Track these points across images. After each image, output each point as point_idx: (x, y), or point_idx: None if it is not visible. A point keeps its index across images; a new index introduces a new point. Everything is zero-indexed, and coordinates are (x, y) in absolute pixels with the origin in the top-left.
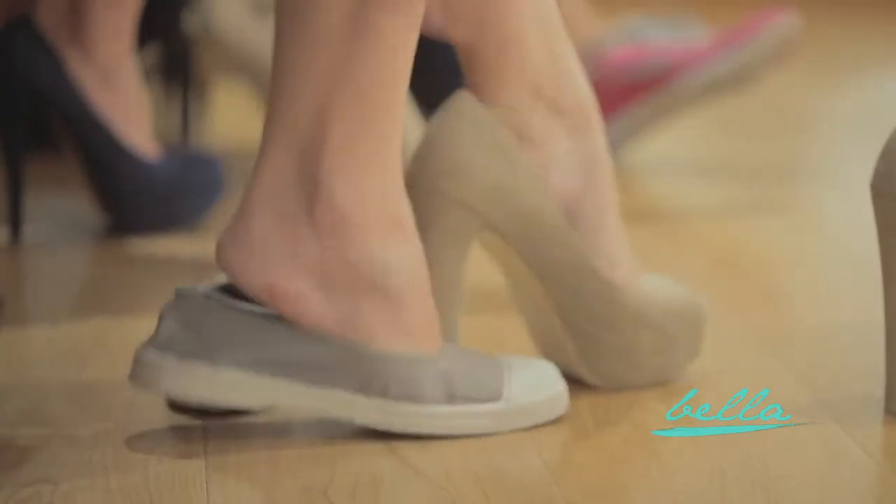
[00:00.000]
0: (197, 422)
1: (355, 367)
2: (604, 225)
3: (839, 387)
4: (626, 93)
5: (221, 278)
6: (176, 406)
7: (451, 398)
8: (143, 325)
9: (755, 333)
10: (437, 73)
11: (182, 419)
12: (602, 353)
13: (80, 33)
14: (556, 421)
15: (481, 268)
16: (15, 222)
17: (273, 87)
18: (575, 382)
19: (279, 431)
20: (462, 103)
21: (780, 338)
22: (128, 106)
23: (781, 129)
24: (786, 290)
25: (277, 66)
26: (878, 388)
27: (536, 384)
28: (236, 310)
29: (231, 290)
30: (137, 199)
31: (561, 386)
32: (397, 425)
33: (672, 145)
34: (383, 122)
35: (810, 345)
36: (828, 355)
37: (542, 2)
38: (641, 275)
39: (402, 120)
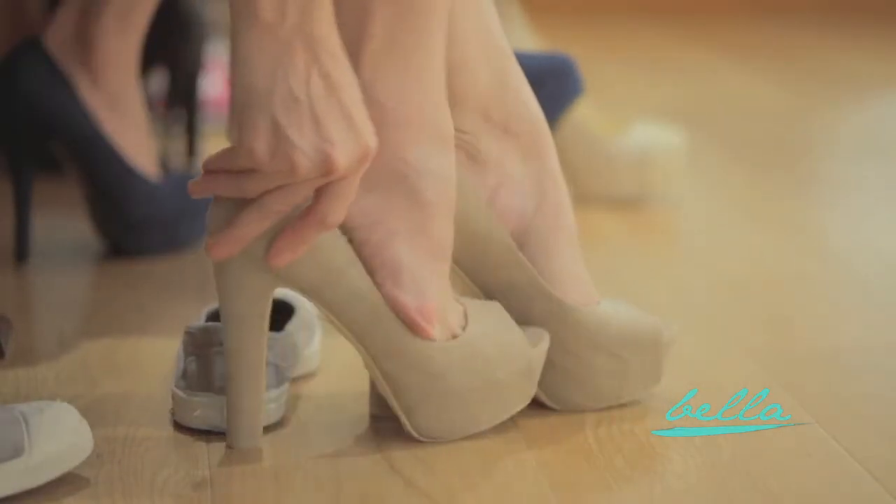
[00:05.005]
0: (203, 444)
1: None
2: (557, 247)
3: (840, 409)
4: None
5: None
6: (183, 425)
7: None
8: (150, 346)
9: (756, 355)
10: None
11: (189, 440)
12: (556, 375)
13: (89, 57)
14: (559, 440)
15: None
16: (22, 243)
17: None
18: None
19: (284, 453)
20: None
21: (780, 359)
22: (134, 130)
23: (786, 150)
24: (789, 311)
25: None
26: (881, 412)
27: (57, 430)
28: None
29: None
30: (144, 222)
31: (83, 426)
32: None
33: None
34: (426, 18)
35: (811, 367)
36: (829, 377)
37: (489, 27)
38: (600, 299)
39: (446, 22)
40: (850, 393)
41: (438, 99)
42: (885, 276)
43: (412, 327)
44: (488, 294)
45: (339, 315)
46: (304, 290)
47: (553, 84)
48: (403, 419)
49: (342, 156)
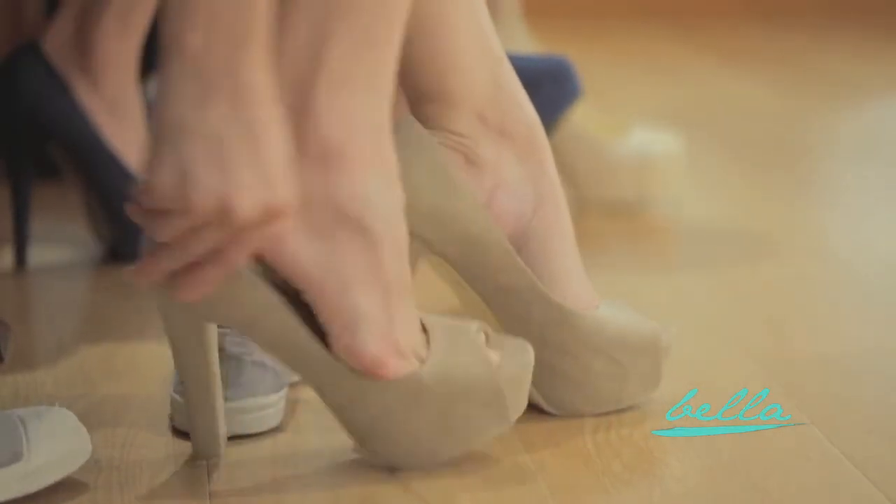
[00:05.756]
0: None
1: None
2: (555, 249)
3: (839, 412)
4: None
5: None
6: (181, 430)
7: None
8: (149, 350)
9: (755, 357)
10: None
11: (187, 447)
12: (555, 379)
13: (88, 61)
14: (557, 444)
15: (434, 290)
16: (20, 248)
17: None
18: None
19: (282, 457)
20: (404, 128)
21: (780, 361)
22: (133, 134)
23: (785, 153)
24: (788, 313)
25: None
26: (880, 415)
27: (55, 435)
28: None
29: None
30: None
31: (81, 431)
32: None
33: None
34: (382, 51)
35: (810, 369)
36: (828, 380)
37: (483, 30)
38: (599, 302)
39: (397, 55)
40: (849, 395)
41: (386, 132)
42: (885, 277)
43: (368, 374)
44: (486, 299)
45: (273, 352)
46: (232, 327)
47: (551, 87)
48: (360, 447)
49: (244, 204)
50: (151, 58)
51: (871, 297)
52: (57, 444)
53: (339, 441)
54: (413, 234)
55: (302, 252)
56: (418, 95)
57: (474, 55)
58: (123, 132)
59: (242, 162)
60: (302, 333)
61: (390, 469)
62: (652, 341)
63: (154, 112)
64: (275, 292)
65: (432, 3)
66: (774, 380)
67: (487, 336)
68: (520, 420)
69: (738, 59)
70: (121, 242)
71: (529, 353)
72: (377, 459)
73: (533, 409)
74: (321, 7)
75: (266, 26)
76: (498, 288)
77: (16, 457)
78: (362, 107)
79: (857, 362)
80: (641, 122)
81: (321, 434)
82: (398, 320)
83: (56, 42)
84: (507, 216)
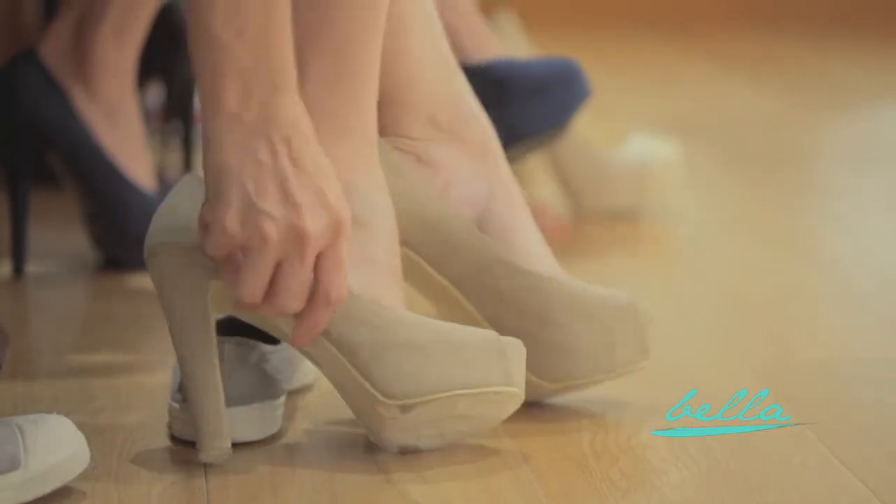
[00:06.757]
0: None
1: None
2: (518, 224)
3: (838, 421)
4: None
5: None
6: (180, 438)
7: None
8: (147, 360)
9: (753, 366)
10: None
11: (185, 452)
12: (540, 349)
13: (85, 69)
14: (555, 450)
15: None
16: (18, 256)
17: None
18: (574, 412)
19: (279, 464)
20: None
21: (778, 370)
22: (130, 142)
23: (783, 161)
24: (787, 323)
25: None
26: (878, 424)
27: (53, 443)
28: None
29: (228, 325)
30: (142, 234)
31: (79, 439)
32: None
33: None
34: (357, 79)
35: (808, 378)
36: (826, 389)
37: (443, 45)
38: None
39: (377, 78)
40: (847, 404)
41: (370, 149)
42: (882, 286)
43: None
44: (457, 284)
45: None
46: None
47: (559, 89)
48: (366, 385)
49: (311, 222)
50: (149, 66)
51: (869, 304)
52: (55, 452)
53: (336, 449)
54: None
55: None
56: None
57: (433, 69)
58: (121, 140)
59: (299, 187)
60: None
61: (388, 478)
62: (629, 304)
63: (206, 162)
64: None
65: (391, 18)
66: (772, 387)
67: None
68: (516, 426)
69: (736, 66)
70: (118, 251)
71: (522, 345)
72: (385, 392)
73: (530, 414)
74: (298, 34)
75: (293, 67)
76: (467, 269)
77: (14, 464)
78: (344, 137)
79: (854, 369)
80: (640, 130)
81: (320, 441)
82: (391, 302)
83: (54, 50)
84: (462, 202)
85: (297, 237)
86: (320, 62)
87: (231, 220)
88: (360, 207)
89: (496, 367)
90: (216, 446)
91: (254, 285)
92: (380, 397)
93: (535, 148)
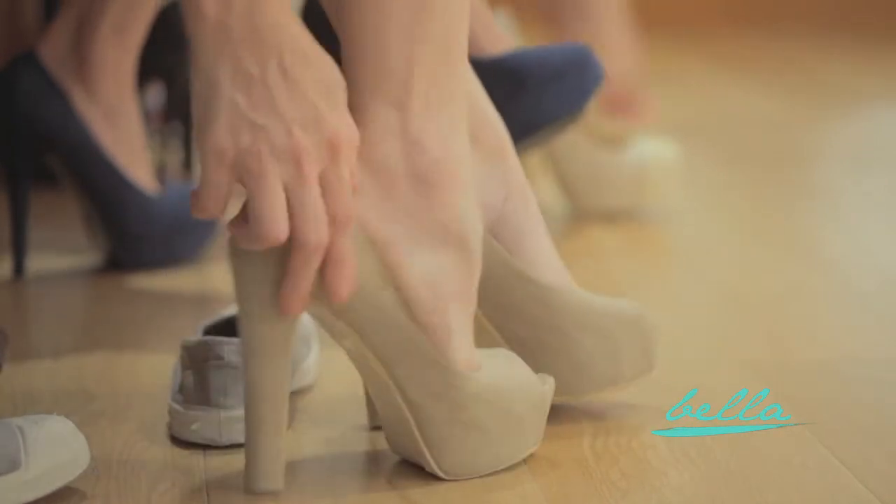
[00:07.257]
0: (200, 458)
1: None
2: (530, 231)
3: (838, 421)
4: None
5: (225, 312)
6: (180, 439)
7: None
8: (147, 360)
9: (753, 366)
10: None
11: (185, 455)
12: (547, 357)
13: (85, 70)
14: (555, 453)
15: None
16: (18, 256)
17: (353, 51)
18: (575, 415)
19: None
20: None
21: (778, 371)
22: (130, 143)
23: (783, 162)
24: (786, 323)
25: (355, 30)
26: (879, 424)
27: (54, 444)
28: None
29: (229, 327)
30: (142, 235)
31: (79, 440)
32: None
33: None
34: (456, 65)
35: (808, 378)
36: (826, 389)
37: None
38: (575, 285)
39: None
40: (847, 404)
41: (468, 148)
42: (882, 286)
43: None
44: None
45: (367, 337)
46: (332, 310)
47: (575, 74)
48: (428, 457)
49: (303, 137)
50: (149, 66)
51: (869, 304)
52: (55, 453)
53: (337, 451)
54: None
55: (407, 263)
56: None
57: None
58: (121, 141)
59: (290, 100)
60: (408, 321)
61: (390, 480)
62: (636, 315)
63: (195, 82)
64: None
65: None
66: (772, 387)
67: None
68: None
69: (736, 66)
70: (118, 251)
71: (552, 383)
72: (445, 469)
73: None
74: (406, 34)
75: None
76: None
77: (14, 465)
78: (451, 122)
79: (854, 369)
80: (640, 131)
81: (319, 444)
82: (470, 333)
83: (53, 51)
84: (476, 208)
85: (290, 153)
86: (426, 54)
87: (221, 133)
88: (472, 238)
89: (537, 427)
90: (263, 489)
91: (266, 212)
92: (432, 463)
93: (553, 137)
